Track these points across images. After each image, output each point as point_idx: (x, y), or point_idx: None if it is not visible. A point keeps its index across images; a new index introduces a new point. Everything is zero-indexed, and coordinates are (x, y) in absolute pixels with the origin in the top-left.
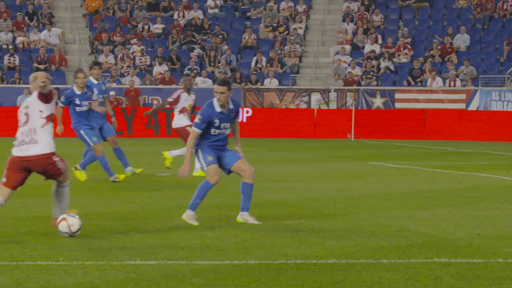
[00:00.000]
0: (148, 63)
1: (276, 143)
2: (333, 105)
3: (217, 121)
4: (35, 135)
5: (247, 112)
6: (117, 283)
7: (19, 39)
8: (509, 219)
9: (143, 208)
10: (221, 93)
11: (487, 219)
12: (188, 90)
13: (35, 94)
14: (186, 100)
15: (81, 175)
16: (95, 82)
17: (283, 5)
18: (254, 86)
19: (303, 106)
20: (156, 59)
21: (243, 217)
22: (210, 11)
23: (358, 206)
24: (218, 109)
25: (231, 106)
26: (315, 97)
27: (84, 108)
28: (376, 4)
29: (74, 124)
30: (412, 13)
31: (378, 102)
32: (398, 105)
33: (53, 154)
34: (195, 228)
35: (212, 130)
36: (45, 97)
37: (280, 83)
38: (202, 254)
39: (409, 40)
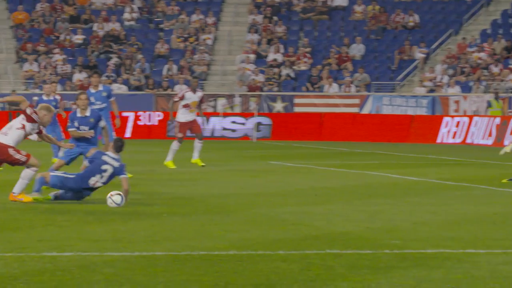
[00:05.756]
0: (69, 71)
1: (185, 144)
2: (237, 109)
3: None
4: None
5: (159, 115)
6: (35, 273)
7: None
8: (396, 213)
9: (60, 203)
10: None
11: (376, 213)
12: (194, 90)
13: None
14: (190, 98)
15: None
16: None
17: (194, 17)
18: (165, 92)
19: (210, 110)
20: (76, 67)
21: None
22: (126, 23)
23: (258, 202)
24: None
25: None
26: (221, 102)
27: None
28: (279, 16)
29: None
30: (312, 24)
31: (278, 106)
32: (297, 109)
33: None
34: (108, 222)
35: None
36: None
37: None
38: (114, 246)
39: (308, 49)
